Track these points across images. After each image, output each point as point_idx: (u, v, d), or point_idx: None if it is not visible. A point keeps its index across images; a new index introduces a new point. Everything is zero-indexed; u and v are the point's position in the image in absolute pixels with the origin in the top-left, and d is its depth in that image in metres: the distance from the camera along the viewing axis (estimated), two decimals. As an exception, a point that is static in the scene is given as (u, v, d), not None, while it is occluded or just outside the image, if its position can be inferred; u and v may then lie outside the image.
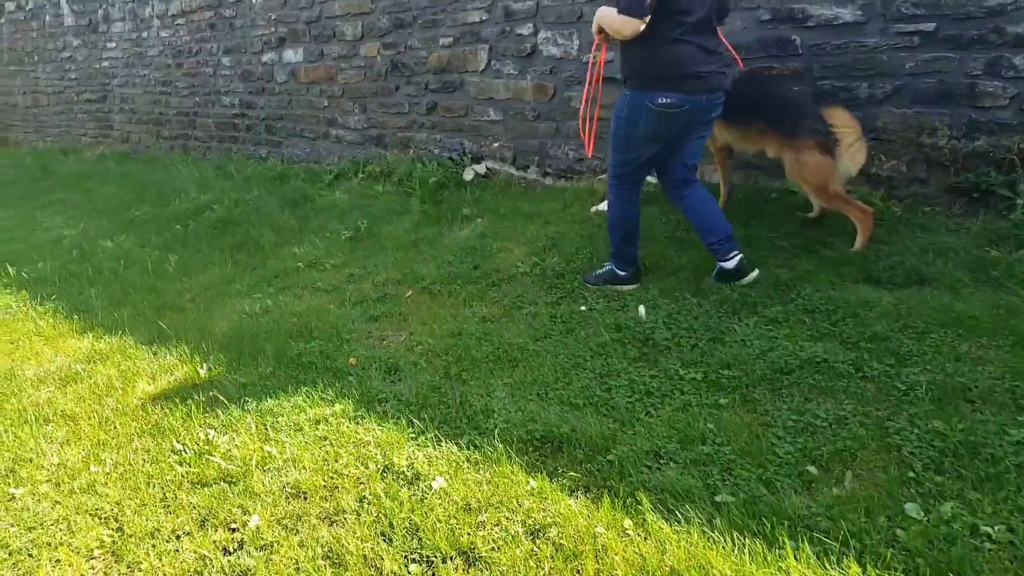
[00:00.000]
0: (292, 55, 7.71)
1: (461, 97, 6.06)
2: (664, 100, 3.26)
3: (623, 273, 3.76)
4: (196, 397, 3.41)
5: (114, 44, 10.50)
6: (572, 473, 2.51)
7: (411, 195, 5.87)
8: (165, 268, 5.40)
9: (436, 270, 4.51)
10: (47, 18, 11.89)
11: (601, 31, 3.39)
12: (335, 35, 7.18)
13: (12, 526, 2.71)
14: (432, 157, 6.16)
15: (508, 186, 5.61)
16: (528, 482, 2.51)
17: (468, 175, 5.80)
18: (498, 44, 5.68)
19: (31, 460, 3.10)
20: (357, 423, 3.01)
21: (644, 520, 2.25)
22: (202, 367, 3.70)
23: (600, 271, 3.89)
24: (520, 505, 2.41)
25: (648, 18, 3.16)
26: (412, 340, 3.70)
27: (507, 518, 2.36)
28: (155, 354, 3.99)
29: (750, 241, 3.98)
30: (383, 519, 2.44)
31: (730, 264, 3.55)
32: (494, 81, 5.71)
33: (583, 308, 3.68)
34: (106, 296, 5.03)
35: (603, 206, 4.86)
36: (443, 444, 2.77)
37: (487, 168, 5.87)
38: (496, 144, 5.19)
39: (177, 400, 3.40)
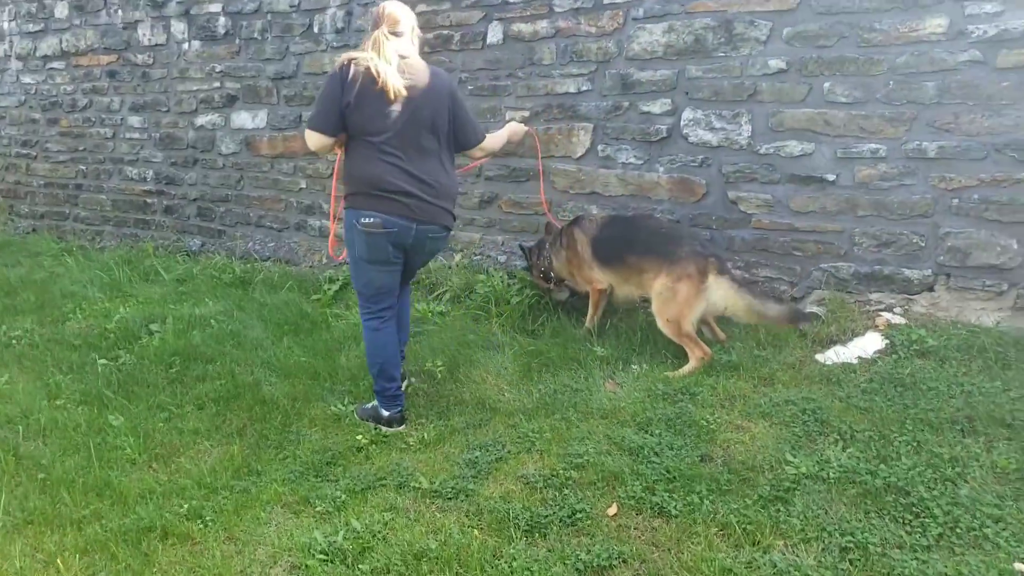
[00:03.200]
0: (248, 119, 5.77)
1: (537, 189, 4.47)
2: (367, 219, 3.04)
3: (387, 413, 3.27)
4: None
5: (-60, 89, 7.88)
6: None
7: (483, 320, 4.12)
8: (113, 441, 3.23)
9: (632, 462, 2.80)
10: None
11: None
12: (322, 96, 5.38)
13: None
14: (495, 265, 4.47)
15: (634, 310, 4.04)
16: None
17: (562, 294, 4.17)
18: (607, 123, 4.23)
19: None
20: None
21: None
22: None
23: (367, 405, 3.37)
24: None
25: (334, 135, 3.05)
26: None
27: None
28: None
29: None
30: None
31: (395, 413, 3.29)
32: (599, 171, 4.22)
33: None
34: (16, 503, 2.81)
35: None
36: None
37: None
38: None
39: None
